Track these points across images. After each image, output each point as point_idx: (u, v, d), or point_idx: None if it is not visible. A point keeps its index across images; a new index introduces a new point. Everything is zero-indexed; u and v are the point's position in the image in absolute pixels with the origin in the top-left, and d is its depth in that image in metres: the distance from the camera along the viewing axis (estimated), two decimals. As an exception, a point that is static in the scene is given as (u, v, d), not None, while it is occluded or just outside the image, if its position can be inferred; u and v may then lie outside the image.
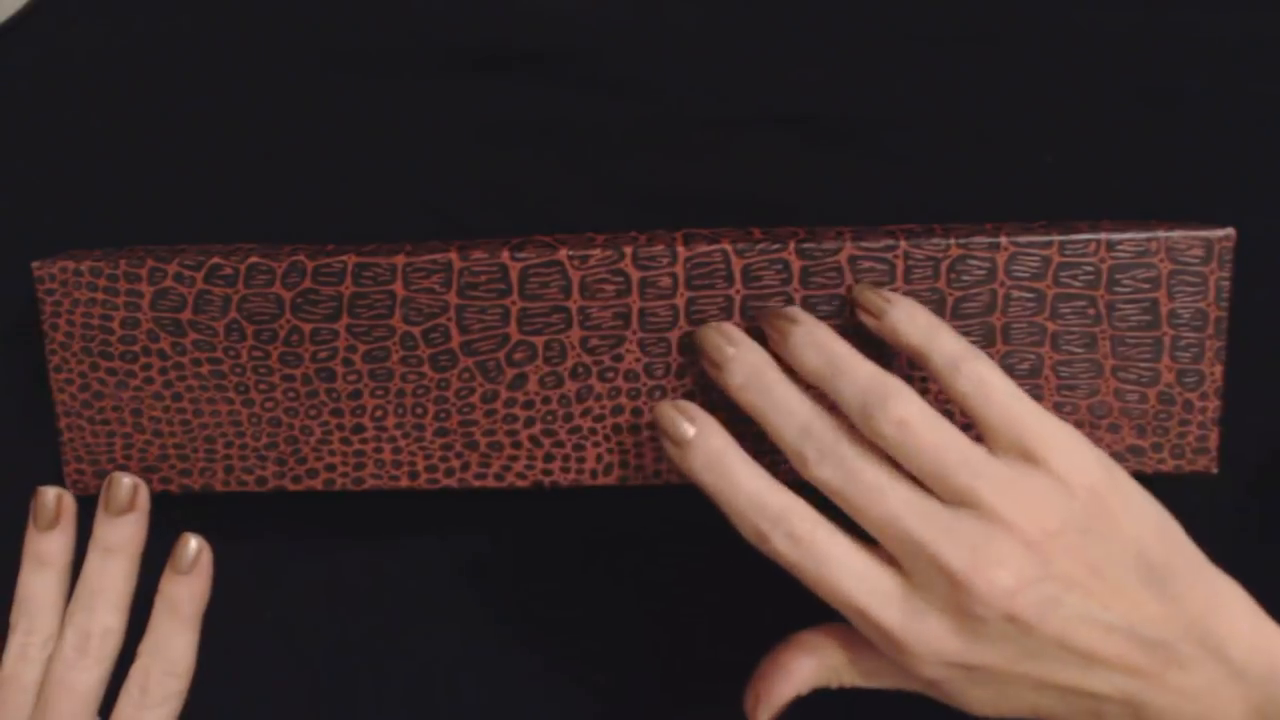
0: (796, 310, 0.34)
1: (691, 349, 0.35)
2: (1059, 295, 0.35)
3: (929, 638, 0.30)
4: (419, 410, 0.36)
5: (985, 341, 0.35)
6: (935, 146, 0.38)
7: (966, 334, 0.35)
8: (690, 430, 0.33)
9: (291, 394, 0.36)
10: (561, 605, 0.41)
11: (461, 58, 0.38)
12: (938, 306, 0.35)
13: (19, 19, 0.39)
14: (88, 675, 0.35)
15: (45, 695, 0.35)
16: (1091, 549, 0.31)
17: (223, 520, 0.40)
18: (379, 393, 0.36)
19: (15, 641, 0.36)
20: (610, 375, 0.36)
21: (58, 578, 0.37)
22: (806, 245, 0.35)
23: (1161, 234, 0.35)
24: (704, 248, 0.35)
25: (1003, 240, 0.35)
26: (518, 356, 0.36)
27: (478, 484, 0.37)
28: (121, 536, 0.36)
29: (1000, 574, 0.30)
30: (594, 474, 0.36)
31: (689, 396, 0.36)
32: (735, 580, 0.40)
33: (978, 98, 0.38)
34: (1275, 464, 0.38)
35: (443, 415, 0.36)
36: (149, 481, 0.37)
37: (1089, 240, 0.35)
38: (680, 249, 0.35)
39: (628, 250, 0.35)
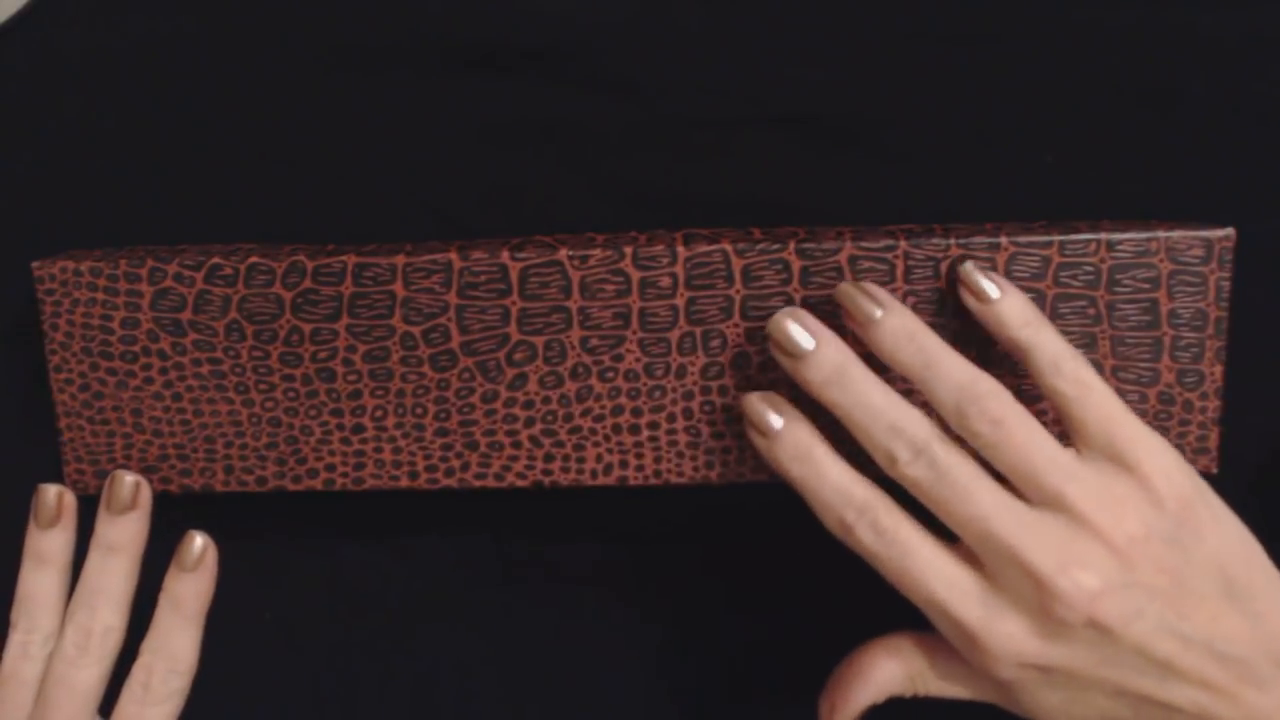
0: (880, 293, 0.33)
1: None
2: (1059, 295, 0.35)
3: (1009, 637, 0.30)
4: (419, 410, 0.36)
5: (986, 341, 0.35)
6: (935, 146, 0.38)
7: (967, 334, 0.35)
8: (778, 422, 0.33)
9: (291, 394, 0.36)
10: (561, 605, 0.41)
11: (461, 57, 0.38)
12: (938, 307, 0.35)
13: (19, 19, 0.39)
14: (88, 673, 0.35)
15: (46, 693, 0.35)
16: (1176, 560, 0.31)
17: (223, 520, 0.40)
18: (379, 393, 0.36)
19: (15, 640, 0.36)
20: (610, 375, 0.36)
21: (58, 576, 0.37)
22: (806, 245, 0.35)
23: (1161, 234, 0.34)
24: (704, 248, 0.35)
25: (1003, 240, 0.35)
26: (518, 356, 0.36)
27: (478, 484, 0.37)
28: (123, 535, 0.36)
29: (1085, 577, 0.30)
30: (594, 474, 0.36)
31: (691, 395, 0.36)
32: (736, 580, 0.40)
33: (978, 98, 0.38)
34: (1275, 464, 0.38)
35: (443, 415, 0.36)
36: (149, 481, 0.37)
37: (1089, 240, 0.35)
38: (680, 249, 0.35)
39: (628, 250, 0.35)
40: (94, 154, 0.39)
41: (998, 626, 0.30)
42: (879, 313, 0.33)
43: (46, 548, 0.36)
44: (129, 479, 0.36)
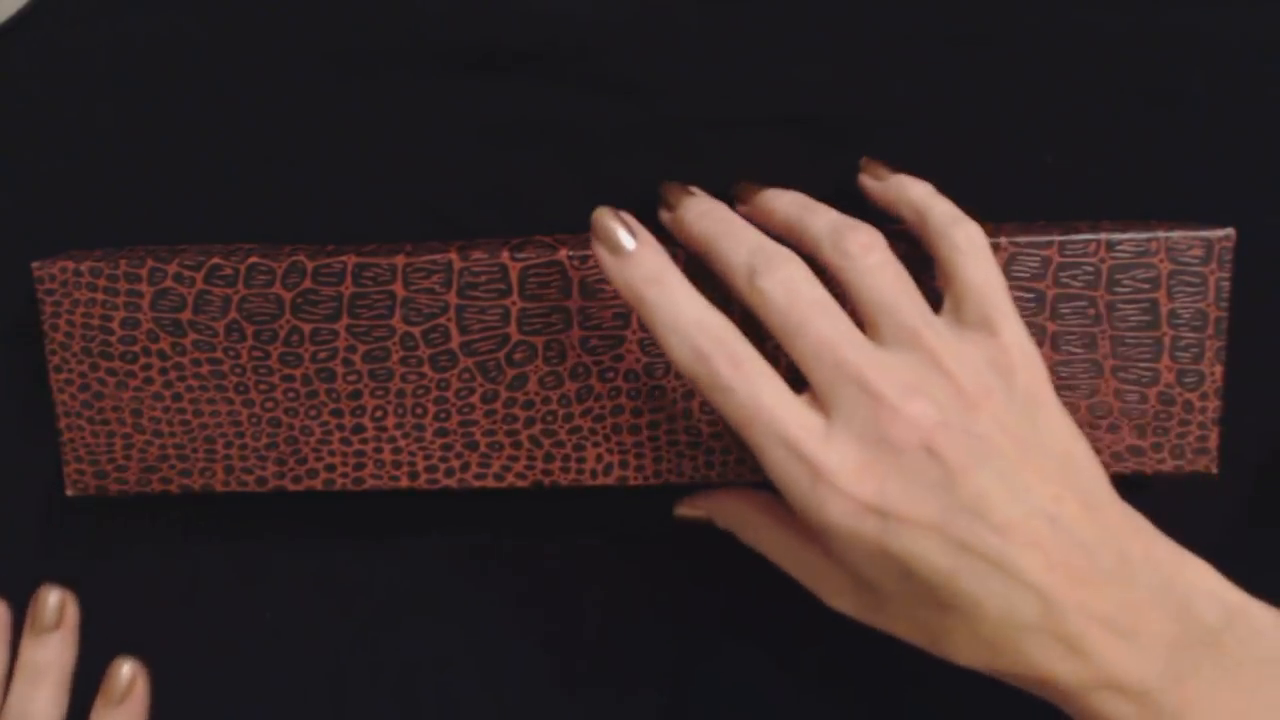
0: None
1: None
2: (1059, 295, 0.35)
3: (849, 467, 0.29)
4: (419, 410, 0.36)
5: None
6: (935, 146, 0.38)
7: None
8: (630, 241, 0.32)
9: (291, 394, 0.36)
10: (561, 605, 0.41)
11: (461, 58, 0.38)
12: (937, 306, 0.35)
13: (19, 19, 0.39)
14: None
15: None
16: (1024, 429, 0.30)
17: (223, 520, 0.40)
18: (379, 393, 0.36)
19: None
20: (610, 375, 0.36)
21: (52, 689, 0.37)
22: None
23: (1161, 234, 0.34)
24: None
25: (1003, 240, 0.35)
26: (518, 356, 0.36)
27: (478, 484, 0.37)
28: (48, 655, 0.36)
29: (927, 405, 0.29)
30: (594, 474, 0.36)
31: (691, 395, 0.36)
32: (736, 580, 0.40)
33: (978, 98, 0.38)
34: (1275, 464, 0.38)
35: (443, 415, 0.36)
36: (148, 482, 0.37)
37: (1089, 240, 0.35)
38: (680, 249, 0.35)
39: None
40: (94, 154, 0.39)
41: (839, 456, 0.29)
42: (756, 189, 0.35)
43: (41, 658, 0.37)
44: (53, 598, 0.36)
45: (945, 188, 0.38)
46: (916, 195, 0.34)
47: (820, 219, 0.33)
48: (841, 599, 0.33)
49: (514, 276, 0.35)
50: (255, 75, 0.39)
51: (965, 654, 0.30)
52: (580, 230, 0.38)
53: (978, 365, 0.31)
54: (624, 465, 0.36)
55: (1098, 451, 0.33)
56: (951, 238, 0.32)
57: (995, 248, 0.35)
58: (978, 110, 0.38)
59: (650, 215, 0.38)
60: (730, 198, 0.37)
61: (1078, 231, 0.35)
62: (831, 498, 0.30)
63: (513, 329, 0.36)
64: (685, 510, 0.38)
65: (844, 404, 0.30)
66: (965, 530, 0.29)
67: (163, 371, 0.37)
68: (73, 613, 0.36)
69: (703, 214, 0.33)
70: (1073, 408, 0.35)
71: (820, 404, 0.31)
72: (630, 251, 0.32)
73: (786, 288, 0.31)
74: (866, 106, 0.38)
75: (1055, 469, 0.30)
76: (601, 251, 0.32)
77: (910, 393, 0.30)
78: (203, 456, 0.37)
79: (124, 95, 0.39)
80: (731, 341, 0.31)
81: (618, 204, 0.39)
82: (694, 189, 0.35)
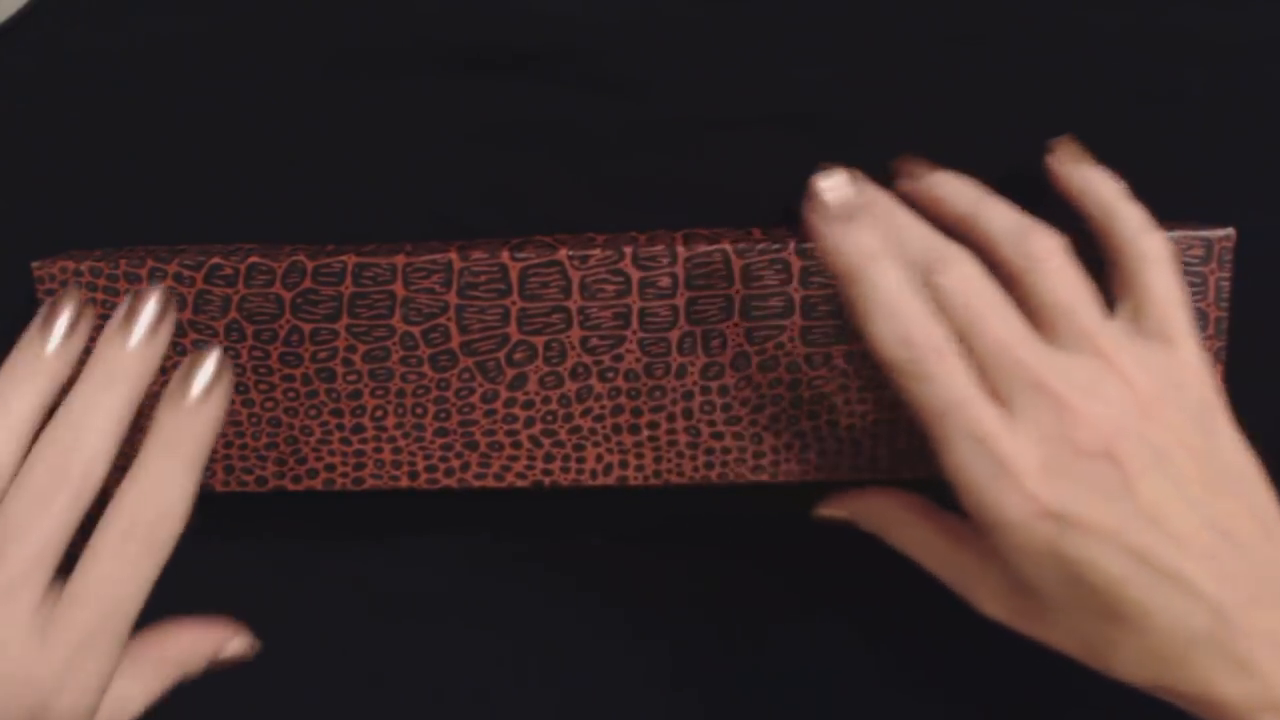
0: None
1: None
2: None
3: (1032, 467, 0.29)
4: (419, 410, 0.36)
5: None
6: (934, 146, 0.38)
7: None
8: (859, 208, 0.30)
9: (291, 394, 0.36)
10: (561, 606, 0.41)
11: (461, 58, 0.38)
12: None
13: (19, 19, 0.39)
14: (54, 520, 0.29)
15: None
16: (1197, 442, 0.30)
17: (223, 520, 0.40)
18: (379, 393, 0.36)
19: None
20: (610, 375, 0.36)
21: (44, 400, 0.30)
22: (807, 245, 0.35)
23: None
24: (704, 248, 0.35)
25: None
26: (518, 356, 0.36)
27: (478, 484, 0.37)
28: (131, 362, 0.31)
29: (1107, 409, 0.29)
30: (594, 474, 0.36)
31: (691, 395, 0.36)
32: (737, 581, 0.40)
33: (978, 98, 0.38)
34: (1275, 464, 0.38)
35: (443, 415, 0.36)
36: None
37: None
38: (680, 249, 0.35)
39: (628, 250, 0.35)
40: (94, 154, 0.39)
41: (1022, 459, 0.29)
42: (927, 172, 0.34)
43: (43, 361, 0.31)
44: (156, 297, 0.31)
45: (945, 188, 0.38)
46: (1106, 195, 0.34)
47: (1001, 216, 0.32)
48: (995, 604, 0.32)
49: (514, 276, 0.35)
50: (255, 75, 0.39)
51: (1128, 668, 0.30)
52: (580, 230, 0.38)
53: (1154, 374, 0.30)
54: (624, 465, 0.36)
55: None
56: (1139, 246, 0.32)
57: None
58: (978, 110, 0.38)
59: (651, 215, 0.38)
60: (734, 195, 0.37)
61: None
62: (1012, 496, 0.29)
63: (513, 329, 0.36)
64: (827, 511, 0.37)
65: (1024, 405, 0.30)
66: (1141, 538, 0.28)
67: (162, 371, 0.37)
68: (172, 320, 0.32)
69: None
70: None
71: (1000, 404, 0.30)
72: (854, 223, 0.30)
73: (964, 286, 0.31)
74: (866, 106, 0.38)
75: (1229, 485, 0.30)
76: (821, 217, 0.30)
77: (1090, 396, 0.29)
78: None
79: (124, 95, 0.39)
80: (937, 331, 0.30)
81: (617, 204, 0.39)
82: (857, 174, 0.33)
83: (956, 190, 0.34)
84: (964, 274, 0.31)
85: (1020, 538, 0.29)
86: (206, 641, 0.35)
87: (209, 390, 0.31)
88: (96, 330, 0.33)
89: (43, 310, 0.32)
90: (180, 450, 0.31)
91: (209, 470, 0.37)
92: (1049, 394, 0.29)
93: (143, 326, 0.32)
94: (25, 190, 0.40)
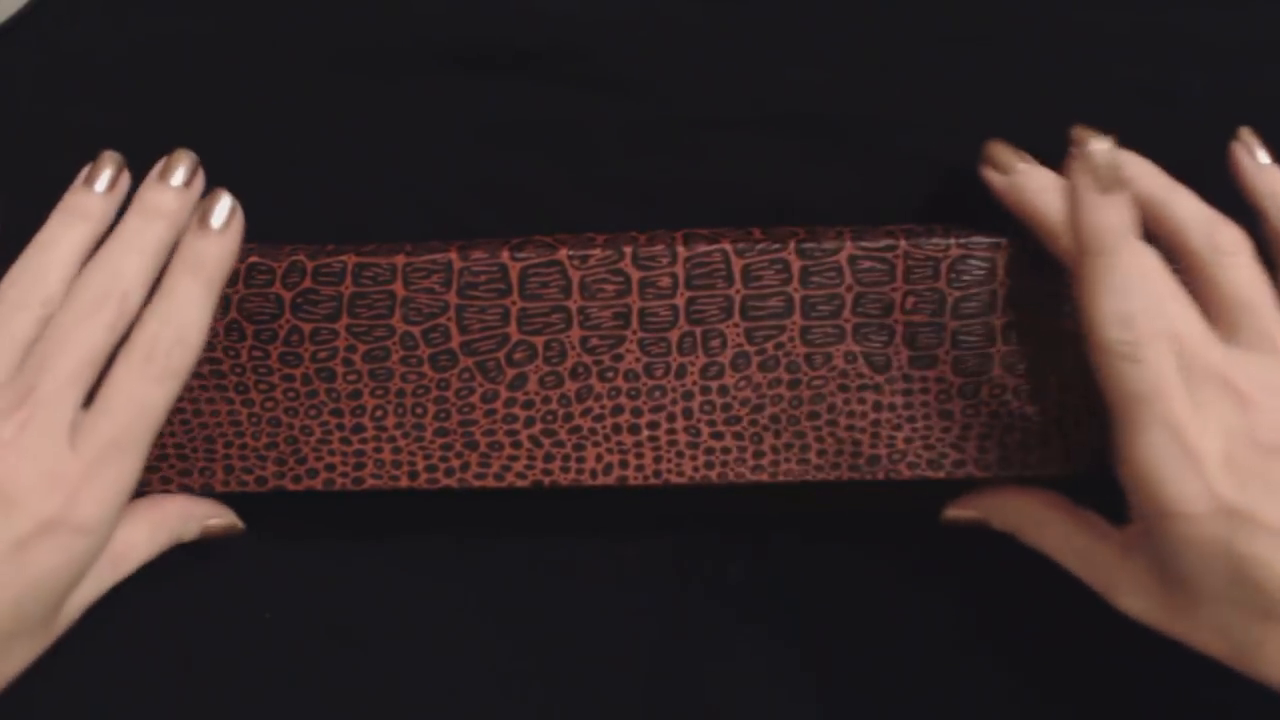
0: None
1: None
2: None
3: (1218, 461, 0.29)
4: (419, 410, 0.36)
5: (985, 341, 0.35)
6: (935, 146, 0.38)
7: (967, 334, 0.35)
8: (1117, 179, 0.31)
9: (291, 394, 0.36)
10: (562, 605, 0.41)
11: (461, 57, 0.38)
12: (938, 306, 0.35)
13: (19, 19, 0.39)
14: (98, 336, 0.32)
15: (40, 349, 0.32)
16: None
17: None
18: (379, 393, 0.36)
19: (9, 293, 0.32)
20: (610, 375, 0.36)
21: (88, 241, 0.33)
22: (807, 245, 0.35)
23: None
24: (704, 247, 0.35)
25: (1002, 241, 0.35)
26: (518, 356, 0.36)
27: (478, 484, 0.37)
28: (177, 202, 0.34)
29: None
30: (594, 474, 0.36)
31: (691, 395, 0.36)
32: (736, 582, 0.40)
33: (978, 98, 0.38)
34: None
35: (442, 415, 0.36)
36: (148, 481, 0.37)
37: None
38: (680, 249, 0.35)
39: (627, 250, 0.35)
40: (94, 154, 0.39)
41: (1209, 454, 0.29)
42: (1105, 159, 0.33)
43: (87, 205, 0.34)
44: (189, 155, 0.35)
45: (946, 187, 0.39)
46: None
47: (1191, 205, 0.33)
48: (1136, 599, 0.32)
49: (514, 276, 0.35)
50: (255, 75, 0.39)
51: (1274, 668, 0.30)
52: (580, 230, 0.38)
53: None
54: (624, 465, 0.36)
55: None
56: None
57: (996, 248, 0.35)
58: (978, 110, 0.38)
59: (652, 215, 0.38)
60: (734, 195, 0.37)
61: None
62: (1196, 489, 0.29)
63: (513, 329, 0.36)
64: (956, 512, 0.37)
65: (1208, 399, 0.30)
66: None
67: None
68: (201, 181, 0.35)
69: (1042, 189, 0.33)
70: (1072, 407, 0.35)
71: None
72: (1112, 196, 0.31)
73: (1143, 274, 0.31)
74: (866, 106, 0.38)
75: None
76: (1085, 179, 0.31)
77: (1273, 394, 0.30)
78: (202, 456, 0.37)
79: (124, 95, 0.39)
80: (1162, 319, 0.30)
81: (617, 204, 0.39)
82: (1026, 156, 0.35)
83: (1146, 172, 0.34)
84: (1143, 263, 0.31)
85: (1193, 529, 0.29)
86: (198, 509, 0.38)
87: (227, 222, 0.34)
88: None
89: (87, 168, 0.35)
90: (202, 272, 0.33)
91: (209, 470, 0.37)
92: (1234, 391, 0.30)
93: (180, 176, 0.35)
94: (25, 190, 0.40)
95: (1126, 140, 0.38)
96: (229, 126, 0.39)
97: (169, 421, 0.37)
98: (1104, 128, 0.38)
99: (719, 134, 0.38)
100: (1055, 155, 0.38)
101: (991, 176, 0.35)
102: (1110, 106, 0.38)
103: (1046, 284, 0.35)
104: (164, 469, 0.37)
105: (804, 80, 0.38)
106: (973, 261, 0.35)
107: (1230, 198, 0.38)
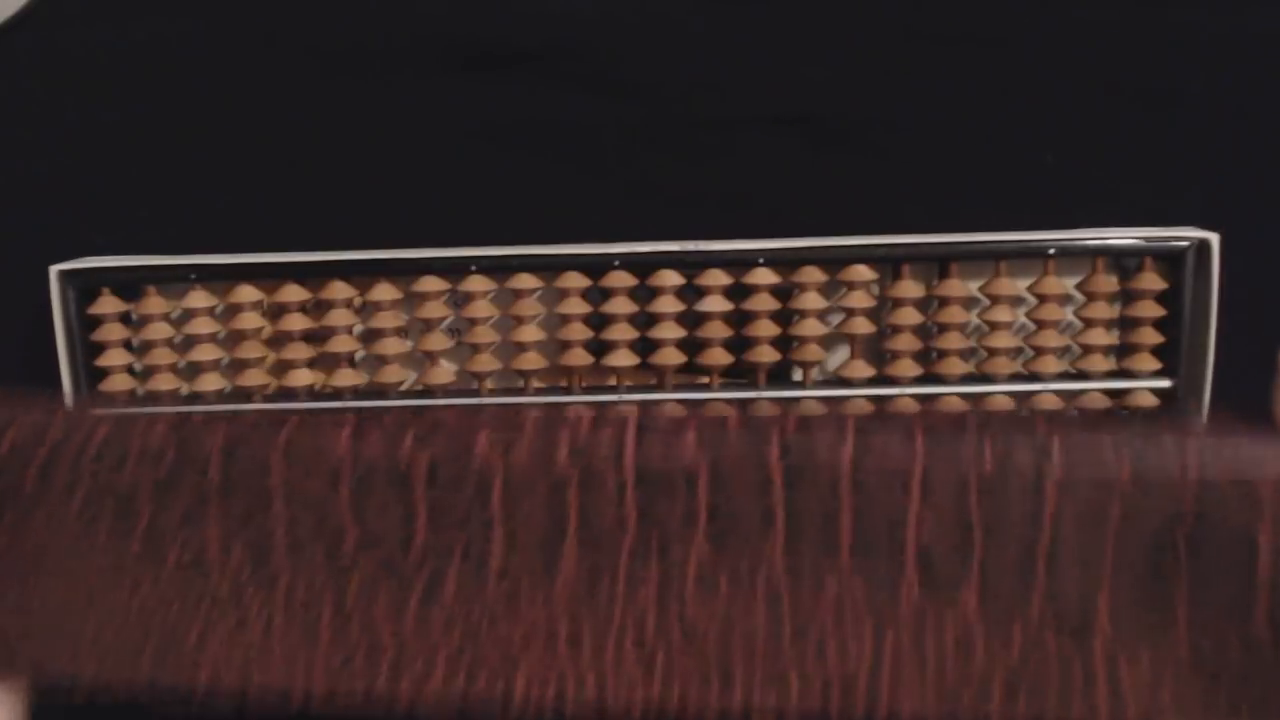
0: None
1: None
2: None
3: None
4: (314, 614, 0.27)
5: None
6: (935, 147, 0.38)
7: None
8: None
9: (169, 583, 0.27)
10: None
11: (461, 57, 0.38)
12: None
13: (19, 19, 0.39)
14: None
15: None
16: None
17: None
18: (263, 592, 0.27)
19: None
20: (543, 583, 0.27)
21: None
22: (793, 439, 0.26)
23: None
24: (661, 442, 0.26)
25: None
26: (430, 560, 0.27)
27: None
28: None
29: None
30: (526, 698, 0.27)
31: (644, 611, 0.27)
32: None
33: (978, 98, 0.38)
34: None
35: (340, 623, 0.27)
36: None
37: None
38: (629, 439, 0.26)
39: (563, 436, 0.26)
40: (94, 154, 0.39)
41: None
42: None
43: None
44: None
45: (946, 188, 0.39)
46: None
47: None
48: None
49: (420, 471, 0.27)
50: (255, 75, 0.39)
51: None
52: (579, 229, 0.38)
53: None
54: (561, 682, 0.27)
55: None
56: None
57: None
58: (978, 110, 0.38)
59: (652, 215, 0.38)
60: (734, 195, 0.37)
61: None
62: None
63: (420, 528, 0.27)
64: None
65: None
66: None
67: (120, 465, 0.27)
68: None
69: None
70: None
71: None
72: None
73: None
74: (866, 106, 0.38)
75: None
76: None
77: None
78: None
79: (124, 96, 0.39)
80: None
81: (618, 204, 0.39)
82: None
83: None
84: None
85: None
86: None
87: None
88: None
89: None
90: None
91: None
92: None
93: None
94: (25, 189, 0.40)
95: (1126, 140, 0.38)
96: (229, 127, 0.39)
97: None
98: (1104, 128, 0.38)
99: (719, 134, 0.38)
100: (1055, 155, 0.38)
101: None
102: (1110, 106, 0.38)
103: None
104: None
105: (804, 80, 0.38)
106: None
107: (1230, 197, 0.38)
